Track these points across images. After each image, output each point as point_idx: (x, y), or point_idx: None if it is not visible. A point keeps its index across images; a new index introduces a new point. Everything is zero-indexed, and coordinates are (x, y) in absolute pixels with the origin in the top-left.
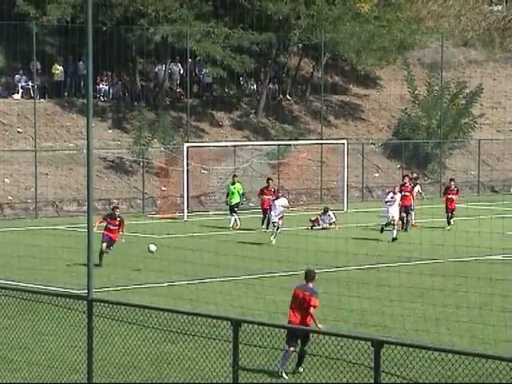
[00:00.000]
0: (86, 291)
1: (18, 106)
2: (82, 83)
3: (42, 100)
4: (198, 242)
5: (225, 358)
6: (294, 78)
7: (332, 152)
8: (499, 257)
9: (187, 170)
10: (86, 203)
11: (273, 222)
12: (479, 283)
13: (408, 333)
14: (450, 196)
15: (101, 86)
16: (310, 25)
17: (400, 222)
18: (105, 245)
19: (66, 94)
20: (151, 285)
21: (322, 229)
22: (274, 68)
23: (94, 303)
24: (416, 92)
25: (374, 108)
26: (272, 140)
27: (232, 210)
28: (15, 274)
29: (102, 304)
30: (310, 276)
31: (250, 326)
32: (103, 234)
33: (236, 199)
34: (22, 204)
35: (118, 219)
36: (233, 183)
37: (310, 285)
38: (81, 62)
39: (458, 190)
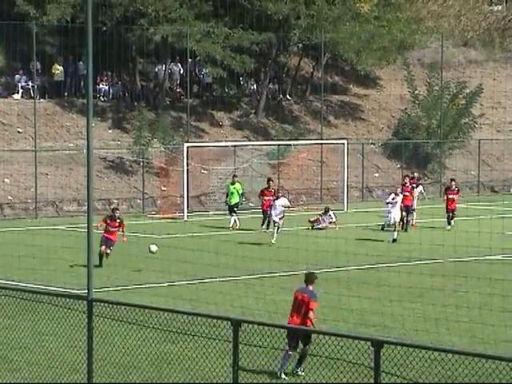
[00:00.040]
0: (86, 291)
1: (17, 106)
2: (82, 83)
3: (42, 100)
4: (198, 242)
5: (225, 358)
6: (293, 78)
7: (332, 152)
8: (499, 257)
9: (187, 169)
10: (86, 203)
11: (274, 222)
12: (479, 283)
13: (408, 333)
14: (450, 196)
15: (101, 86)
16: (309, 25)
17: (400, 223)
18: (103, 248)
19: (66, 93)
20: (151, 285)
21: (321, 229)
22: (273, 68)
23: (94, 303)
24: (416, 92)
25: (374, 108)
26: (272, 140)
27: (231, 210)
28: (15, 273)
29: (102, 304)
30: (309, 279)
31: (250, 326)
32: (102, 236)
33: (235, 199)
34: (22, 204)
35: (118, 221)
36: (233, 183)
37: (310, 287)
38: (81, 62)
39: (458, 190)
